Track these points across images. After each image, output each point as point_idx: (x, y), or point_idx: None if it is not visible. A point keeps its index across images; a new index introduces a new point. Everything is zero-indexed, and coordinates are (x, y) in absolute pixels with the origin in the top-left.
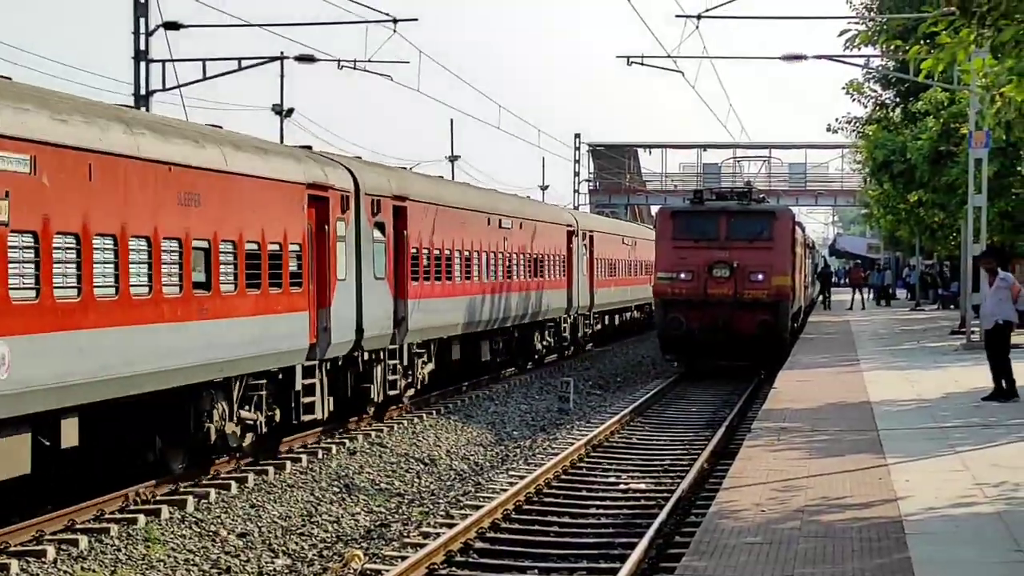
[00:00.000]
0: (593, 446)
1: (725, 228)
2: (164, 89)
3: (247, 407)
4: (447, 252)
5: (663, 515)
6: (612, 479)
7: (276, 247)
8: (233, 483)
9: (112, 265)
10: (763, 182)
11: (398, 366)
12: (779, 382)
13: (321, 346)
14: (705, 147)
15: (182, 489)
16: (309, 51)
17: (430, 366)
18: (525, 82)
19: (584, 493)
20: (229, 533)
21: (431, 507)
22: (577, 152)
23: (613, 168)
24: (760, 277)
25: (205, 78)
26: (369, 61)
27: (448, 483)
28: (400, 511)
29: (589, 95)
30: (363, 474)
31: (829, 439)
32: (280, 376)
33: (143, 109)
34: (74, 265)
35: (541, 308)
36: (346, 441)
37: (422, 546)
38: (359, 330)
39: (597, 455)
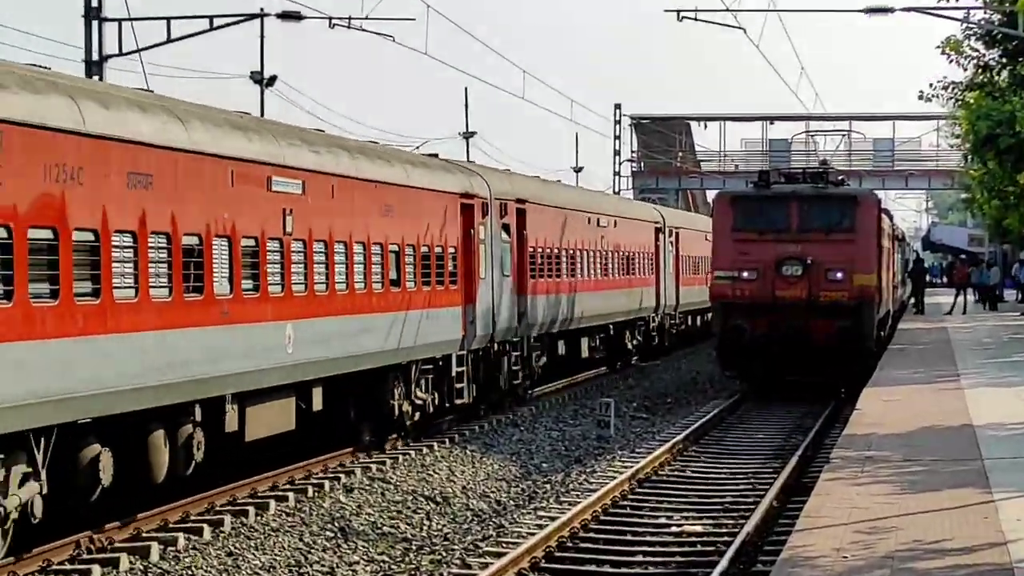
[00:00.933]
0: (639, 480)
1: (796, 217)
2: (121, 53)
3: (419, 389)
4: (556, 251)
5: (724, 563)
6: (662, 520)
7: (439, 250)
8: (206, 527)
9: (344, 266)
10: (842, 161)
11: (519, 357)
12: (863, 402)
13: (469, 337)
14: (772, 119)
15: (144, 534)
16: (294, 7)
17: (543, 359)
18: (554, 43)
19: (628, 537)
20: None
21: (444, 554)
22: (618, 127)
23: (661, 145)
24: (839, 276)
25: (170, 40)
26: (366, 19)
27: (464, 525)
28: (406, 559)
29: (632, 58)
30: (362, 515)
31: (924, 470)
32: (440, 363)
33: (95, 77)
34: (323, 266)
35: (634, 306)
36: (341, 476)
37: None
38: (494, 324)
39: (644, 491)
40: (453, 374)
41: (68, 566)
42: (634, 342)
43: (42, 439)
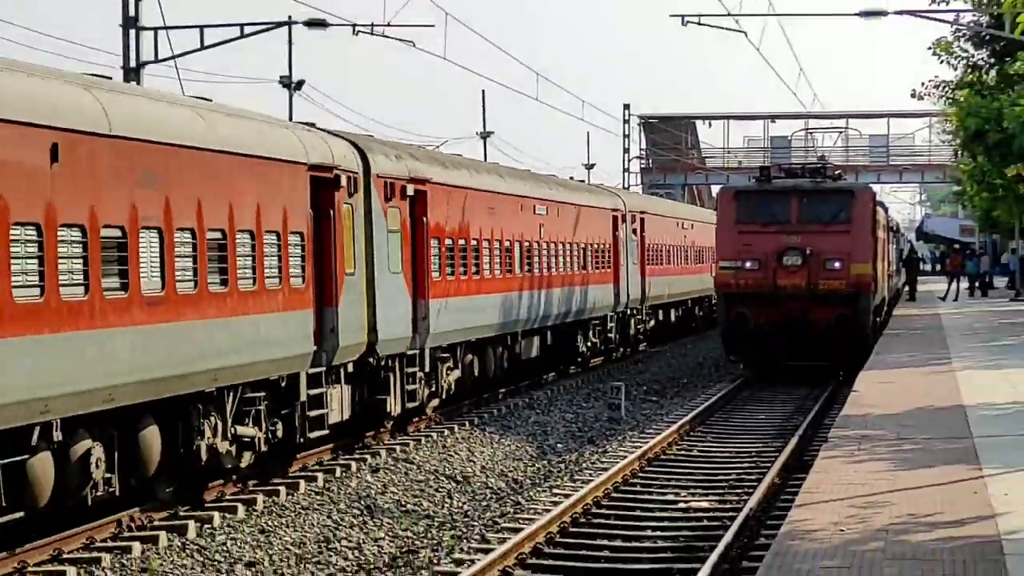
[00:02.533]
0: (648, 460)
1: (796, 210)
2: (157, 60)
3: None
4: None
5: (728, 537)
6: (670, 497)
7: (599, 246)
8: (240, 506)
9: (568, 257)
10: (839, 156)
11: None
12: (860, 384)
13: (619, 304)
14: (773, 118)
15: (181, 513)
16: (320, 15)
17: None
18: (566, 47)
19: (638, 513)
20: (236, 562)
21: (464, 530)
22: (627, 126)
23: (668, 143)
24: (837, 265)
25: (203, 47)
26: (388, 25)
27: (483, 503)
28: (429, 535)
29: (640, 61)
30: (387, 494)
31: (917, 448)
32: (599, 320)
33: (133, 82)
34: (559, 258)
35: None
36: (367, 457)
37: (455, 575)
38: (628, 295)
39: (653, 470)
40: (608, 327)
41: (110, 543)
42: (588, 344)
43: None
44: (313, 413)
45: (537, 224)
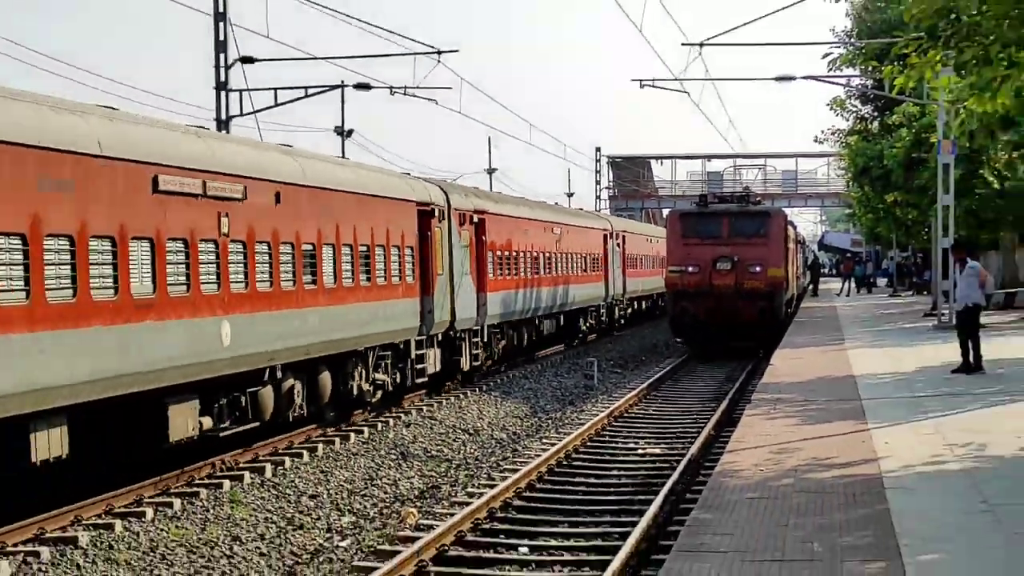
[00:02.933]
0: (614, 417)
1: (727, 227)
2: (241, 115)
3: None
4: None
5: (675, 476)
6: (631, 445)
7: (595, 255)
8: (305, 452)
9: (523, 264)
10: (759, 187)
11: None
12: (775, 360)
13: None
14: (709, 157)
15: (260, 458)
16: (365, 80)
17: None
18: (553, 103)
19: (607, 457)
20: (302, 495)
21: (475, 471)
22: (598, 163)
23: (629, 177)
24: (758, 269)
25: (276, 104)
26: (417, 88)
27: (490, 450)
28: (449, 474)
29: (608, 113)
30: (417, 443)
31: (818, 408)
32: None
33: (223, 131)
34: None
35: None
36: (401, 415)
37: (468, 504)
38: (615, 288)
39: (618, 425)
40: (600, 313)
41: (207, 480)
42: (588, 324)
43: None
44: (419, 366)
45: (554, 240)
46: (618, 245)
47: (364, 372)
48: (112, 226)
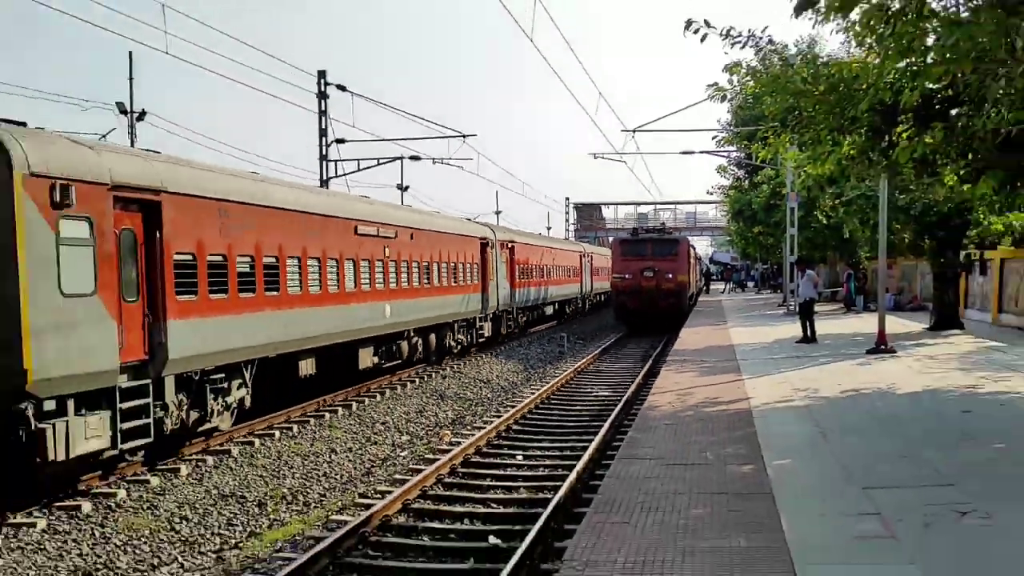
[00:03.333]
0: (577, 371)
1: (651, 249)
2: (336, 176)
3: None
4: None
5: (617, 409)
6: (589, 390)
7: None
8: (378, 395)
9: (536, 272)
10: (671, 223)
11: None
12: (682, 335)
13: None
14: (638, 204)
15: (349, 398)
16: (416, 153)
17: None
18: (539, 166)
19: (575, 397)
20: (375, 422)
21: (488, 407)
22: (567, 207)
23: (587, 216)
24: (670, 276)
25: (359, 170)
26: (449, 159)
27: (498, 393)
28: (471, 409)
29: (573, 175)
30: (450, 389)
31: (709, 366)
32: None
33: (326, 187)
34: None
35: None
36: (439, 371)
37: (483, 428)
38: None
39: (580, 377)
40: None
41: (315, 413)
42: (457, 339)
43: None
44: (481, 331)
45: (552, 258)
46: (588, 261)
47: (452, 334)
48: (336, 252)
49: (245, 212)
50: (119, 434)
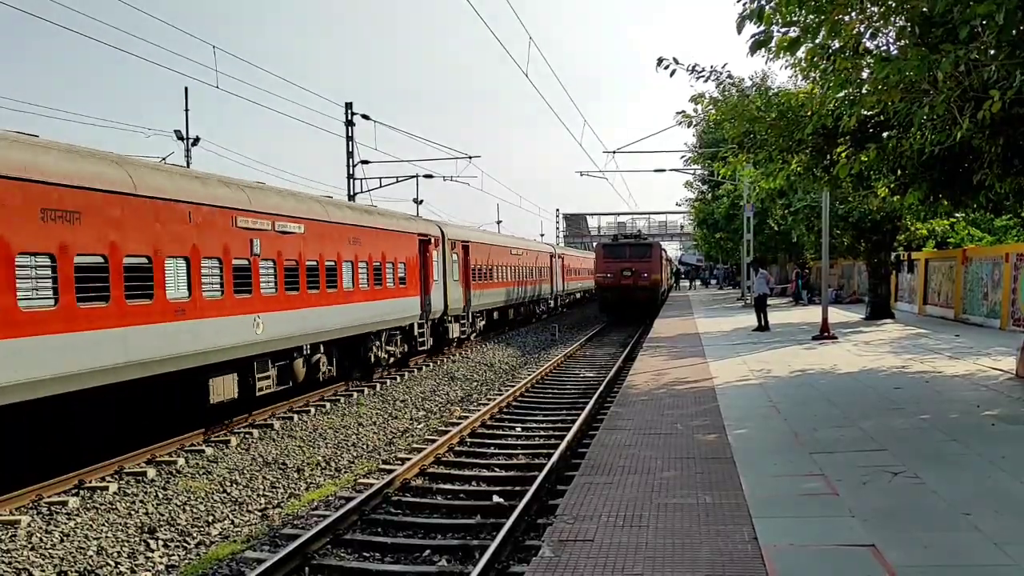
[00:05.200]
0: (567, 356)
1: (629, 252)
2: (362, 192)
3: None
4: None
5: (601, 388)
6: (577, 371)
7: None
8: (398, 376)
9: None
10: (646, 230)
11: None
12: (656, 325)
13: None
14: (618, 214)
15: (374, 380)
16: (430, 172)
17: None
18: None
19: (565, 378)
20: (396, 400)
21: (492, 386)
22: (558, 217)
23: (575, 225)
24: (646, 275)
25: (380, 187)
26: (458, 176)
27: (500, 375)
28: (477, 389)
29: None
30: (459, 371)
31: (679, 350)
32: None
33: (353, 201)
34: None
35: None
36: (449, 356)
37: (487, 404)
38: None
39: (569, 361)
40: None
41: (343, 392)
42: (387, 349)
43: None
44: (419, 340)
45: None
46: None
47: (380, 345)
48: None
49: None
50: None
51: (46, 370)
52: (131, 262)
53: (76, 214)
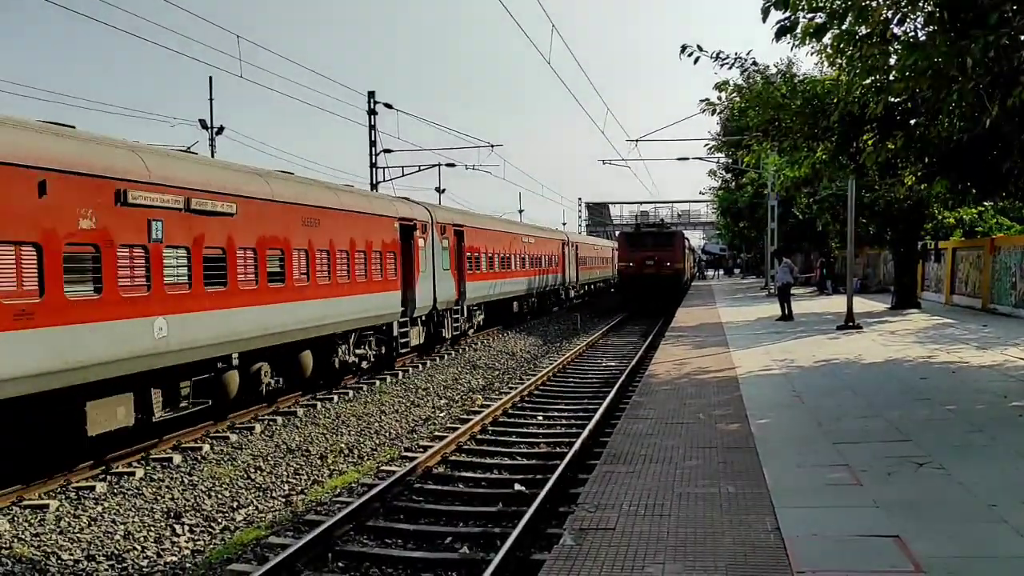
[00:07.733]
0: (589, 345)
1: (652, 241)
2: (384, 181)
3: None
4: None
5: (623, 377)
6: (599, 359)
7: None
8: (420, 365)
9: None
10: (670, 219)
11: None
12: (678, 314)
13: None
14: (641, 203)
15: (396, 368)
16: (452, 161)
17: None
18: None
19: (587, 367)
20: (418, 388)
21: (513, 375)
22: (580, 206)
23: (597, 214)
24: (668, 264)
25: (403, 175)
26: (480, 166)
27: (521, 363)
28: (499, 377)
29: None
30: (480, 360)
31: (702, 340)
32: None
33: (376, 190)
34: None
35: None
36: (471, 344)
37: (509, 393)
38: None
39: (591, 350)
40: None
41: (365, 382)
42: (356, 353)
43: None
44: (402, 340)
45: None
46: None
47: (347, 349)
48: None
49: None
50: None
51: None
52: None
53: None
